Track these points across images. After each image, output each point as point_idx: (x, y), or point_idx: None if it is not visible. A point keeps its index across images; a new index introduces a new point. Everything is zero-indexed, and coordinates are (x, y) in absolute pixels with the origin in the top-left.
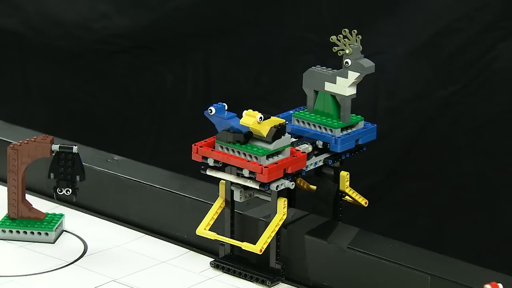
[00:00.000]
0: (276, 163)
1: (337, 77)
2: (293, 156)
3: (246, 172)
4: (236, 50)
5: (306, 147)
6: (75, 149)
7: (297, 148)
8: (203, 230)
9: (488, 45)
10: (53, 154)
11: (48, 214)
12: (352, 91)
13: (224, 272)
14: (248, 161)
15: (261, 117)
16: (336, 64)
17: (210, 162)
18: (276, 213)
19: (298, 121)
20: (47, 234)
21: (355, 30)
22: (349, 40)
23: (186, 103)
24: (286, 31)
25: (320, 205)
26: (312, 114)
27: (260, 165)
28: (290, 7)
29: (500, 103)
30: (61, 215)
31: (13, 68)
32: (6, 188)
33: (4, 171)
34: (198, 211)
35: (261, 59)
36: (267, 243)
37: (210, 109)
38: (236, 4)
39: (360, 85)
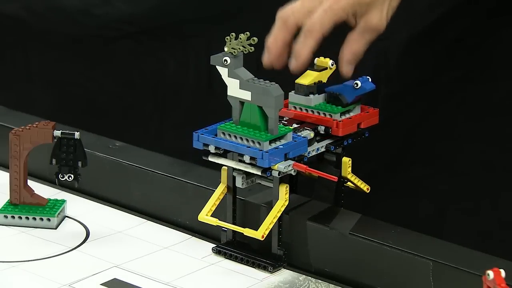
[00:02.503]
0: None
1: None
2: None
3: (247, 158)
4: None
5: (308, 133)
6: (77, 135)
7: (299, 134)
8: (205, 216)
9: (491, 30)
10: (55, 140)
11: (50, 200)
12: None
13: (226, 258)
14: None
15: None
16: (337, 51)
17: (211, 148)
18: (278, 199)
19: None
20: (49, 219)
21: (247, 33)
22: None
23: (188, 88)
24: None
25: (322, 191)
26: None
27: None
28: None
29: (503, 89)
30: (63, 201)
31: (14, 53)
32: (8, 174)
33: (6, 156)
34: (200, 197)
35: (263, 44)
36: (269, 229)
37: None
38: None
39: (362, 70)
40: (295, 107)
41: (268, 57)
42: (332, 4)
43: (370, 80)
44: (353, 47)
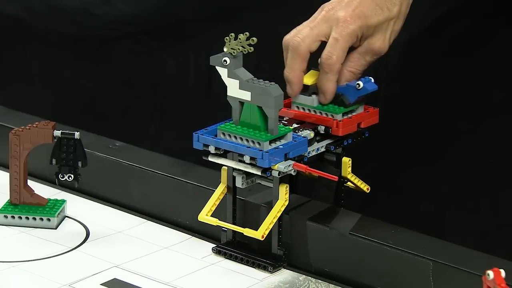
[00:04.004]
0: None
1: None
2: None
3: (247, 158)
4: None
5: (308, 133)
6: (77, 135)
7: (299, 134)
8: (205, 216)
9: (491, 30)
10: (55, 140)
11: (50, 200)
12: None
13: (226, 258)
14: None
15: None
16: None
17: (211, 149)
18: (278, 199)
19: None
20: (49, 219)
21: (246, 33)
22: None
23: (188, 88)
24: (288, 17)
25: (322, 191)
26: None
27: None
28: None
29: (503, 89)
30: (63, 201)
31: (14, 53)
32: (8, 174)
33: (6, 156)
34: (200, 197)
35: (263, 44)
36: (269, 229)
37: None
38: None
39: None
40: (297, 107)
41: (293, 90)
42: (341, 31)
43: (372, 80)
44: (353, 66)
